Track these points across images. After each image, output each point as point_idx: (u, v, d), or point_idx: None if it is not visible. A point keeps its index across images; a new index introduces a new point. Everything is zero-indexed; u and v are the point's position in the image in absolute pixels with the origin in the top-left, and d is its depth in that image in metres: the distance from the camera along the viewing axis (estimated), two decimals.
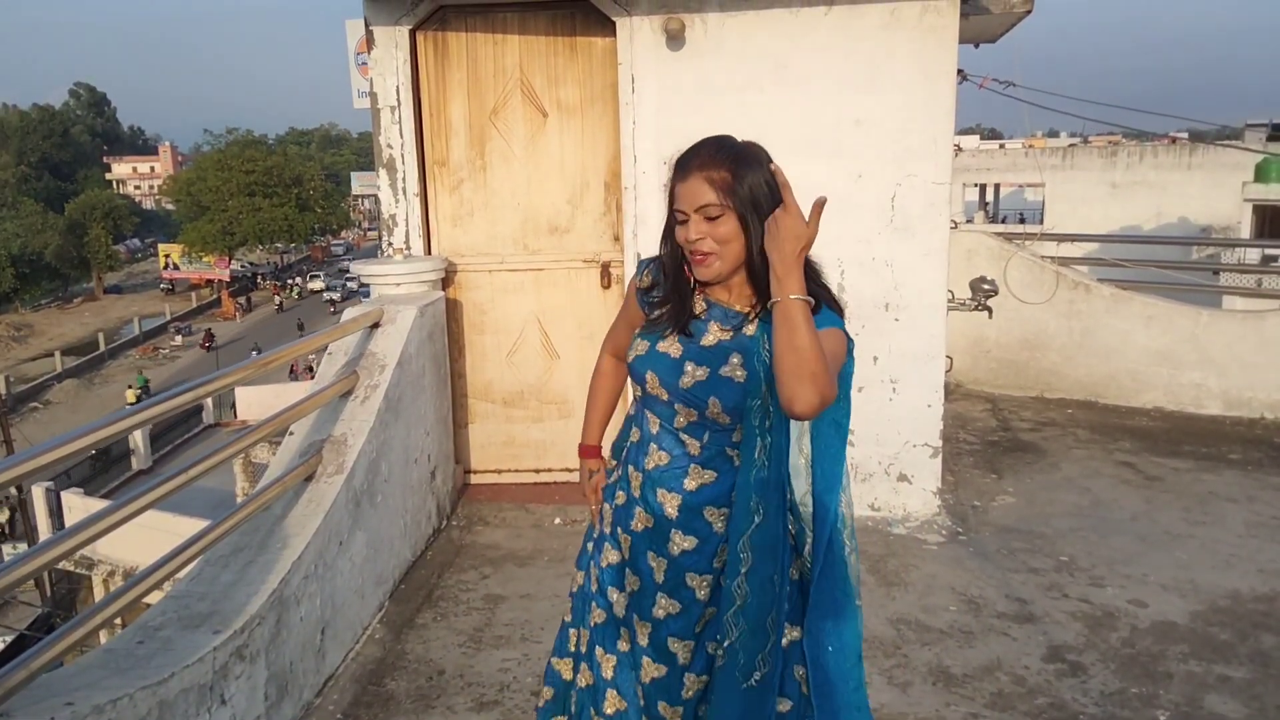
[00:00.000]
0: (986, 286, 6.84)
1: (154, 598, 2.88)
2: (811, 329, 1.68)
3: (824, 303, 1.86)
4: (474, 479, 5.15)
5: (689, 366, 1.96)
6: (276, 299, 57.01)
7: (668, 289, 2.02)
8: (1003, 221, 32.84)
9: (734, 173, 1.84)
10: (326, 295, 47.98)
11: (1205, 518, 4.87)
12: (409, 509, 4.20)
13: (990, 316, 6.99)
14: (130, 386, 37.65)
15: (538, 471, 5.14)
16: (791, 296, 1.69)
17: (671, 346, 2.00)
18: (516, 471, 5.15)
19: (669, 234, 1.98)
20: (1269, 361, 6.71)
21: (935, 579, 4.11)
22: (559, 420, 5.07)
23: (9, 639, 15.82)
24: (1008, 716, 3.07)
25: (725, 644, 1.96)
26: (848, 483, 1.99)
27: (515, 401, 5.08)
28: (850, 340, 1.89)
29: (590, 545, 2.27)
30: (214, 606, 2.73)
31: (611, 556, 2.16)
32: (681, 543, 2.01)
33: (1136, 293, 7.33)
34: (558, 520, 4.76)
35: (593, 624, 2.22)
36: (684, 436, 2.00)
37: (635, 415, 2.14)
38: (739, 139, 1.92)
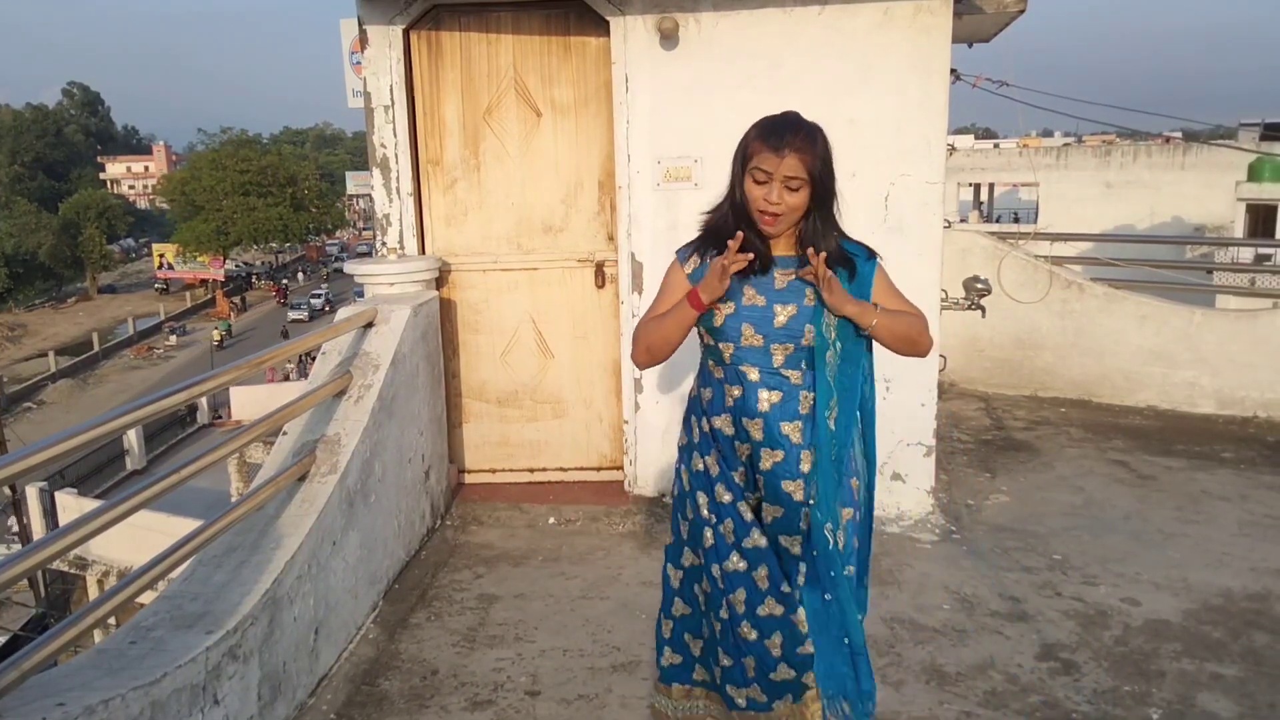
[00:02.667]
0: (980, 286, 6.85)
1: (147, 598, 2.89)
2: (898, 321, 2.37)
3: (858, 254, 2.40)
4: (468, 479, 5.15)
5: (777, 309, 2.35)
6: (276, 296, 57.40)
7: (752, 238, 2.30)
8: (997, 221, 32.93)
9: (814, 154, 2.27)
10: (292, 316, 47.18)
11: (1198, 516, 4.89)
12: (403, 509, 4.20)
13: (984, 316, 6.99)
14: (215, 328, 46.86)
15: (532, 471, 5.14)
16: (874, 323, 2.33)
17: (754, 299, 2.36)
18: (511, 471, 5.15)
19: (735, 190, 2.36)
20: (1262, 360, 6.73)
21: (929, 578, 4.12)
22: (553, 420, 5.07)
23: (2, 639, 15.78)
24: (1001, 715, 3.08)
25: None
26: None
27: (509, 401, 5.08)
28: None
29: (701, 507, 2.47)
30: (207, 606, 2.73)
31: (743, 508, 2.42)
32: (805, 461, 2.37)
33: (1130, 292, 7.35)
34: (552, 520, 4.76)
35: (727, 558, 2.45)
36: (785, 372, 2.36)
37: (719, 379, 2.43)
38: (809, 121, 2.33)
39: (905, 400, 4.68)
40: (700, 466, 2.48)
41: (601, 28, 4.61)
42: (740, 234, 2.26)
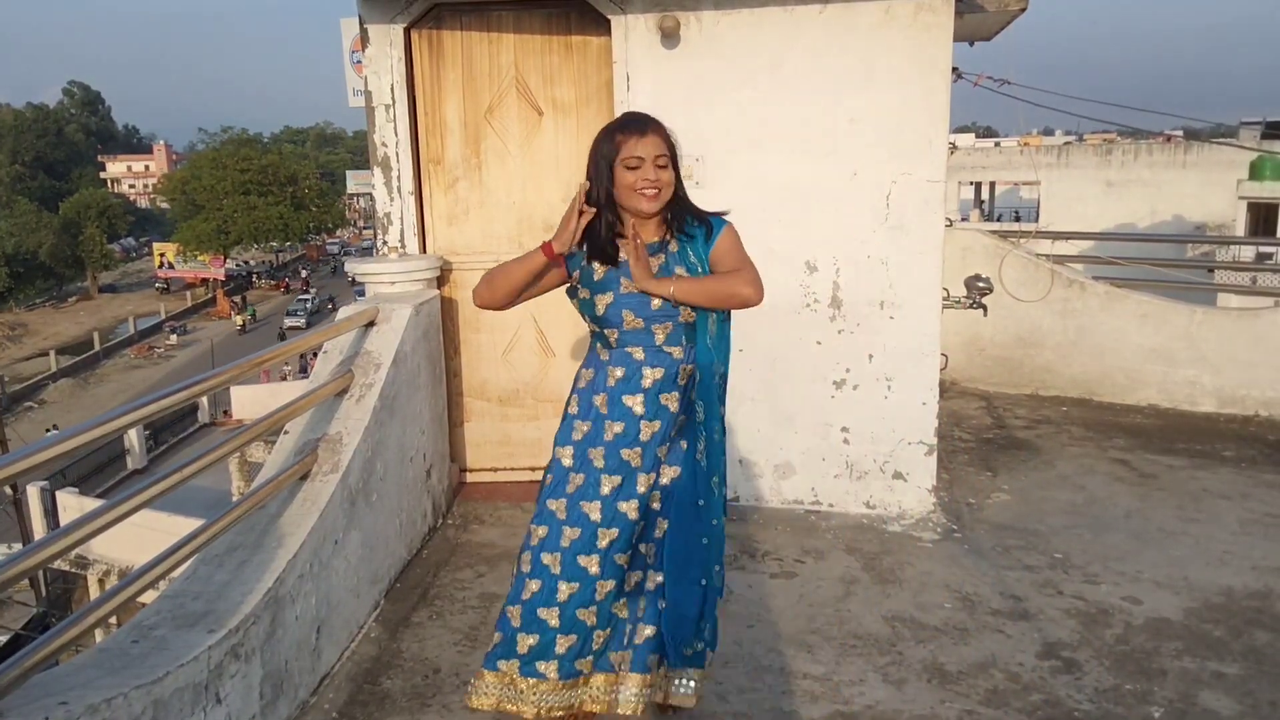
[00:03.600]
0: (981, 284, 6.85)
1: (149, 597, 2.89)
2: (702, 284, 2.52)
3: (701, 219, 2.60)
4: (469, 478, 5.15)
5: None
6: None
7: (611, 232, 2.57)
8: (998, 219, 32.91)
9: (669, 134, 2.55)
10: (289, 323, 47.26)
11: (1199, 515, 4.89)
12: (404, 508, 4.20)
13: (985, 314, 6.99)
14: (240, 313, 50.27)
15: (533, 470, 5.13)
16: (672, 290, 2.50)
17: (630, 287, 2.55)
18: (512, 470, 5.15)
19: (603, 192, 2.54)
20: (1263, 359, 6.72)
21: (930, 576, 4.12)
22: (555, 419, 5.02)
23: (4, 638, 15.79)
24: (1002, 713, 3.08)
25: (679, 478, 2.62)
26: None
27: (511, 400, 5.08)
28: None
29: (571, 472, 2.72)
30: (209, 605, 2.73)
31: (609, 483, 2.61)
32: (677, 424, 2.60)
33: (1131, 290, 7.35)
34: None
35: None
36: (668, 349, 2.57)
37: (604, 362, 2.63)
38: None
39: (906, 399, 4.68)
40: (578, 436, 2.70)
41: (603, 26, 4.61)
42: (588, 183, 2.53)
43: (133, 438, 23.81)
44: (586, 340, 5.23)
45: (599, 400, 2.63)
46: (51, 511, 16.49)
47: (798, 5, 4.42)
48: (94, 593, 15.04)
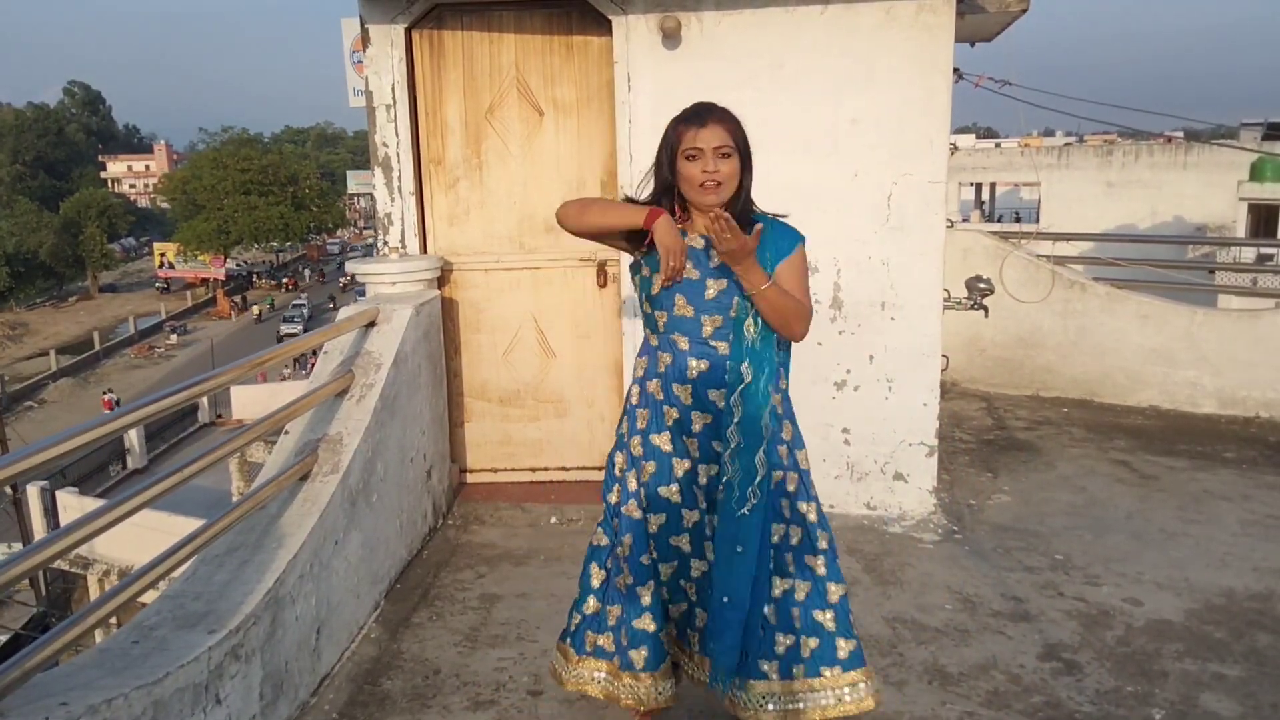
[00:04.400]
0: (982, 285, 6.84)
1: (149, 597, 2.89)
2: (785, 300, 2.43)
3: (775, 224, 2.55)
4: (470, 478, 5.14)
5: (709, 283, 2.51)
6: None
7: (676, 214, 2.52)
8: (998, 221, 32.90)
9: (735, 124, 2.48)
10: (285, 329, 47.39)
11: (1200, 516, 4.88)
12: (405, 508, 4.20)
13: (986, 315, 6.99)
14: (257, 304, 53.07)
15: (534, 471, 5.14)
16: (763, 287, 2.40)
17: (690, 272, 2.50)
18: (513, 471, 5.14)
19: (667, 179, 2.52)
20: (1263, 360, 6.72)
21: (931, 578, 4.11)
22: (555, 419, 5.07)
23: (4, 639, 15.79)
24: (1003, 715, 3.08)
25: (724, 480, 2.52)
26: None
27: (511, 400, 5.08)
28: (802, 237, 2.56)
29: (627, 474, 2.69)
30: (209, 606, 2.72)
31: (680, 466, 2.60)
32: (730, 424, 2.51)
33: (1132, 292, 7.35)
34: (554, 519, 4.75)
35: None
36: (714, 343, 2.52)
37: (654, 348, 2.62)
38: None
39: (907, 400, 4.67)
40: (641, 424, 2.65)
41: (604, 27, 4.61)
42: (726, 215, 2.37)
43: (133, 438, 23.81)
44: (587, 342, 5.26)
45: (652, 386, 2.62)
46: (51, 511, 16.50)
47: (799, 6, 4.42)
48: (94, 593, 15.04)
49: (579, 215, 2.59)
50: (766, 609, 2.55)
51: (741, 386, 2.49)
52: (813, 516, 2.58)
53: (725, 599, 2.52)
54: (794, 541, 2.57)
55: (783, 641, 2.55)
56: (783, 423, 2.58)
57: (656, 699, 2.65)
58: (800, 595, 2.56)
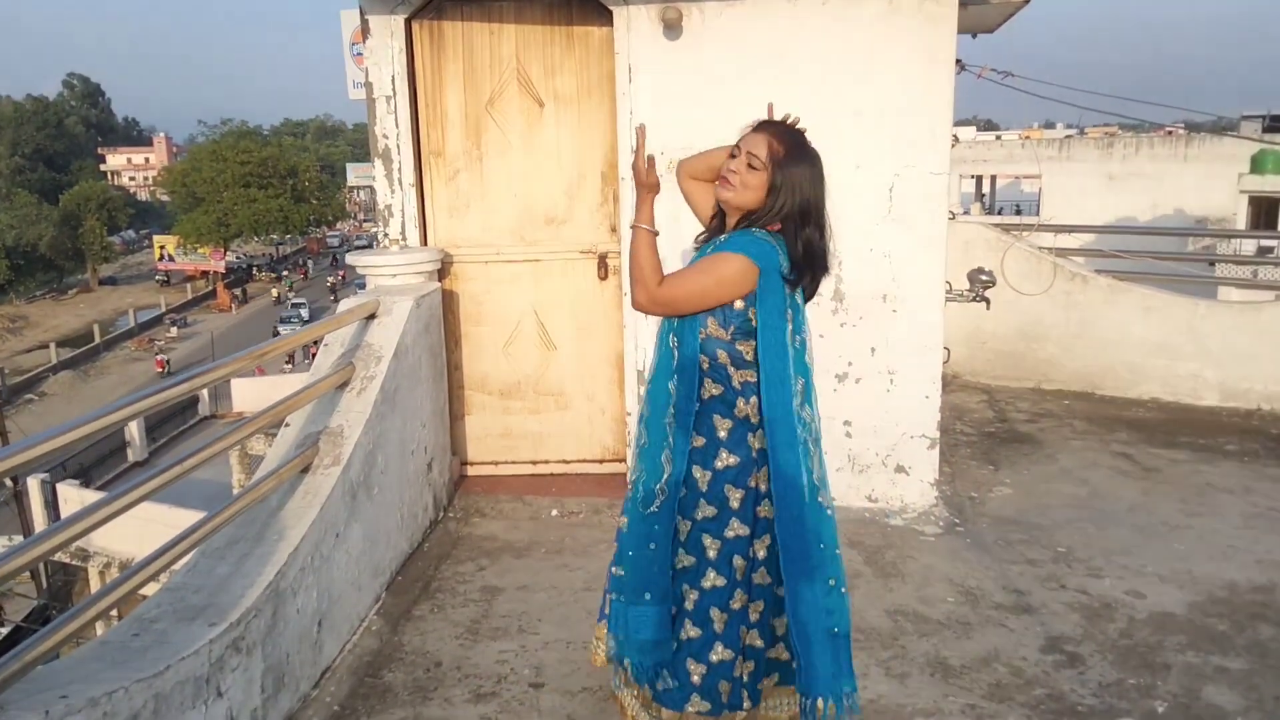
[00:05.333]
0: (984, 278, 6.82)
1: (150, 590, 2.88)
2: (644, 246, 2.43)
3: (747, 235, 2.42)
4: (471, 471, 5.14)
5: None
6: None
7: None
8: (999, 213, 32.82)
9: (786, 152, 2.39)
10: (283, 330, 47.54)
11: (1202, 509, 4.88)
12: (405, 501, 4.19)
13: (988, 308, 6.97)
14: (275, 287, 56.47)
15: (534, 463, 5.13)
16: (634, 224, 2.46)
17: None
18: (513, 463, 5.14)
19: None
20: (1265, 352, 6.71)
21: (933, 570, 4.11)
22: (556, 412, 5.06)
23: (5, 631, 15.80)
24: (1005, 707, 3.07)
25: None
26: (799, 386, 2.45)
27: (512, 393, 5.07)
28: (757, 266, 2.37)
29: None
30: (210, 599, 2.72)
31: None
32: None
33: (1134, 284, 7.33)
34: (554, 512, 4.75)
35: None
36: (674, 336, 2.52)
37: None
38: (804, 137, 2.46)
39: (909, 393, 4.66)
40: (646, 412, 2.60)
41: (604, 17, 4.58)
42: (651, 158, 2.48)
43: (133, 430, 23.83)
44: (587, 335, 5.25)
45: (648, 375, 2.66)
46: (52, 503, 16.51)
47: None
48: (95, 585, 15.06)
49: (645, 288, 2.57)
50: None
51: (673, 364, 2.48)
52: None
53: (647, 595, 2.49)
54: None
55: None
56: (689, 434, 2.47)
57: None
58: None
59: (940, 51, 4.40)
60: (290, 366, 32.23)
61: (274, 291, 56.37)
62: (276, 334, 40.25)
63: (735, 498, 2.42)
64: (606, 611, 2.66)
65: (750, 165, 2.40)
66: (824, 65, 4.45)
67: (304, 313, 49.59)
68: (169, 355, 43.98)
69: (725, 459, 2.42)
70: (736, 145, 2.45)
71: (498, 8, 4.73)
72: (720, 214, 2.56)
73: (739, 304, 2.39)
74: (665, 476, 2.43)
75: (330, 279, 57.62)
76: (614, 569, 2.61)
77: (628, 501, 2.57)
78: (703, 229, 2.65)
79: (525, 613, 3.74)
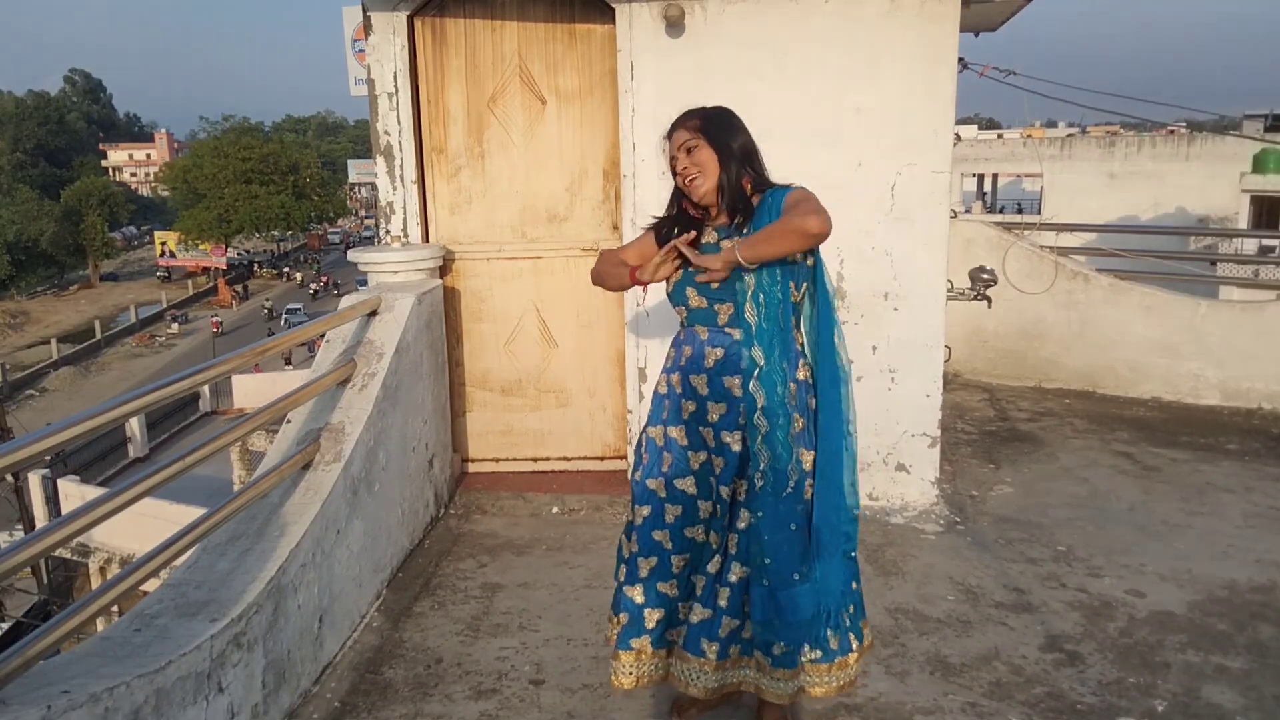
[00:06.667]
0: (985, 276, 6.82)
1: (151, 585, 2.88)
2: (760, 235, 2.45)
3: (773, 192, 2.58)
4: (472, 468, 5.14)
5: None
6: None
7: (680, 218, 2.69)
8: (1000, 212, 32.80)
9: (702, 117, 2.60)
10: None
11: (1203, 508, 4.88)
12: (406, 497, 4.20)
13: (989, 306, 6.97)
14: (300, 271, 58.77)
15: (535, 460, 5.13)
16: (738, 254, 2.43)
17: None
18: (514, 460, 5.14)
19: (676, 191, 2.69)
20: (1266, 352, 6.71)
21: (933, 569, 4.11)
22: (557, 409, 5.06)
23: (6, 626, 15.82)
24: (1005, 706, 3.07)
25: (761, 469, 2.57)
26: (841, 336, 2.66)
27: (513, 390, 5.07)
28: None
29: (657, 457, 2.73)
30: (211, 594, 2.72)
31: (696, 459, 2.67)
32: (744, 414, 2.58)
33: (1135, 283, 7.33)
34: (555, 509, 4.75)
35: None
36: (729, 330, 2.58)
37: (680, 341, 2.69)
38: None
39: (910, 391, 4.66)
40: (665, 414, 2.74)
41: (607, 15, 4.58)
42: (693, 233, 2.58)
43: (134, 426, 23.82)
44: (589, 332, 5.25)
45: (674, 379, 2.70)
46: (53, 499, 16.54)
47: None
48: (95, 581, 15.08)
49: (596, 281, 2.86)
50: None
51: (758, 371, 2.54)
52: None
53: (796, 575, 2.59)
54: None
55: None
56: (793, 416, 2.58)
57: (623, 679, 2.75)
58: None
59: (943, 50, 4.40)
60: (290, 367, 32.24)
61: (299, 276, 57.71)
62: (271, 334, 40.20)
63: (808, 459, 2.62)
64: (641, 628, 2.73)
65: (688, 150, 2.56)
66: (826, 63, 4.45)
67: (303, 316, 49.57)
68: (171, 348, 44.19)
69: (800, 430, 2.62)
70: (671, 157, 2.62)
71: (500, 4, 4.73)
72: (688, 220, 2.68)
73: (810, 260, 2.61)
74: (794, 457, 2.56)
75: (314, 285, 57.55)
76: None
77: (751, 494, 2.61)
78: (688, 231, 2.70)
79: (526, 610, 3.74)
